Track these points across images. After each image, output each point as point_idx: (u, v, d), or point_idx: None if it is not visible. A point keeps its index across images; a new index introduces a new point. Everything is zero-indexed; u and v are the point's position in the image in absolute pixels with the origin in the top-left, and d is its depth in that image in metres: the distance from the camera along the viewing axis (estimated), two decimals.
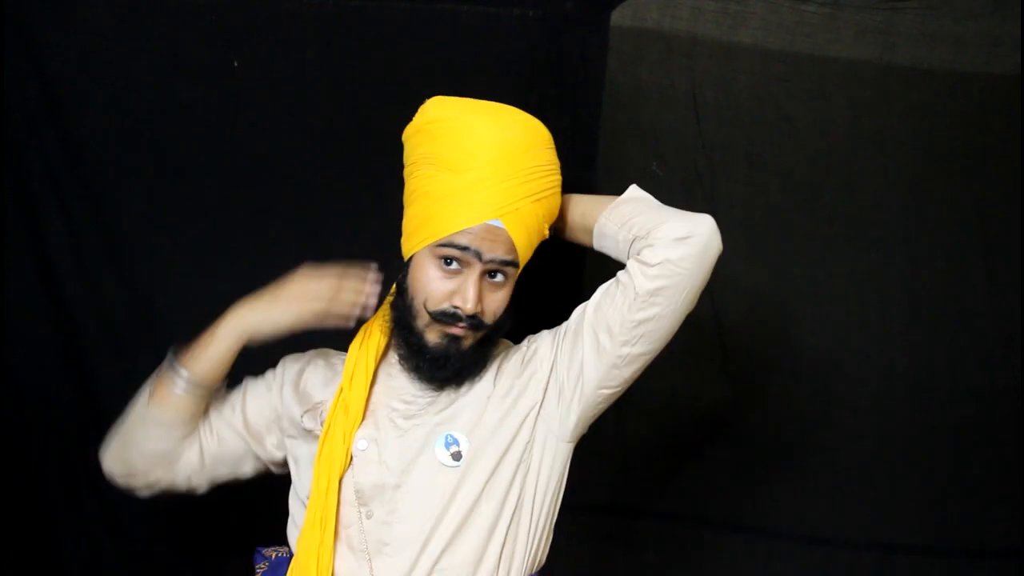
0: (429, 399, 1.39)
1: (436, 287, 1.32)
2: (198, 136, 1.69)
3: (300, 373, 1.46)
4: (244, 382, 1.48)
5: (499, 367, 1.42)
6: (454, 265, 1.31)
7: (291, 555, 1.42)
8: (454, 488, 1.34)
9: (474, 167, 1.30)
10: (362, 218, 1.67)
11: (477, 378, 1.40)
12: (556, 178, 1.38)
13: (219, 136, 1.69)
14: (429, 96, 1.37)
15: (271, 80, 1.66)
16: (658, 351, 1.36)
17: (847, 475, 1.79)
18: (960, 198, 1.66)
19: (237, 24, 1.64)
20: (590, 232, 1.40)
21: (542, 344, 1.44)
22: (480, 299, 1.31)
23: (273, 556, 1.47)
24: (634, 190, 1.41)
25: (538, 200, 1.33)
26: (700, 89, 1.62)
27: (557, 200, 1.39)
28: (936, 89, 1.60)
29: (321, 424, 1.39)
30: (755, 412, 1.78)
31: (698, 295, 1.32)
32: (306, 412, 1.41)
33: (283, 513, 1.47)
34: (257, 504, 1.54)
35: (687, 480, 1.83)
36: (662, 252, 1.27)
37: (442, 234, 1.30)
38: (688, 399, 1.77)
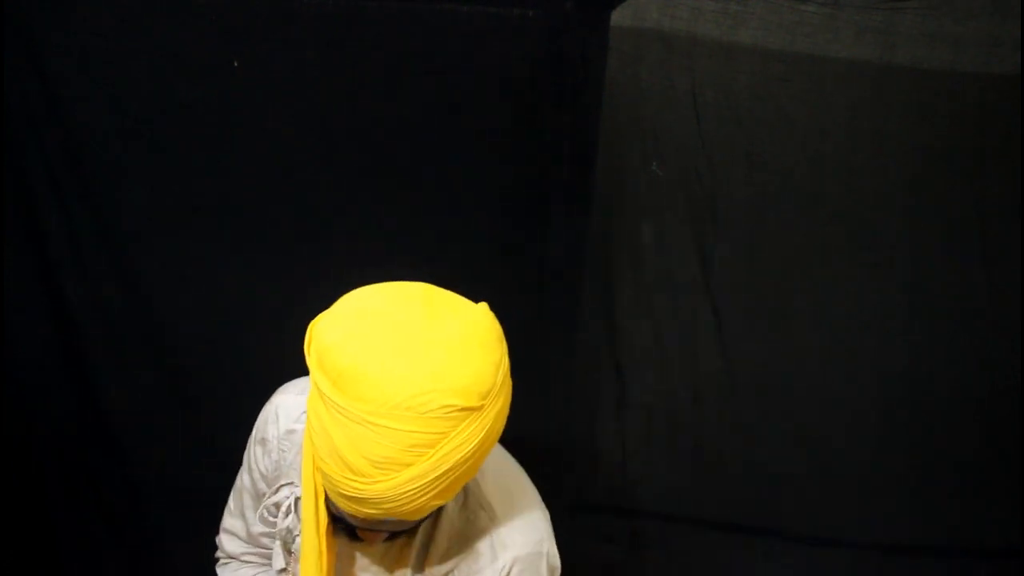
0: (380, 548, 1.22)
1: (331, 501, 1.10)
2: (198, 136, 1.69)
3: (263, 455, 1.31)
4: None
5: (458, 545, 1.21)
6: None
7: None
8: None
9: (367, 475, 1.01)
10: (362, 217, 1.67)
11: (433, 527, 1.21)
12: (493, 435, 1.07)
13: (219, 136, 1.69)
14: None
15: (271, 80, 1.66)
16: None
17: (847, 475, 1.79)
18: (960, 198, 1.65)
19: (237, 24, 1.63)
20: None
21: None
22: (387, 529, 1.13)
23: None
24: None
25: (456, 487, 1.06)
26: (700, 89, 1.62)
27: (493, 441, 1.09)
28: (936, 89, 1.60)
29: (278, 532, 1.25)
30: (755, 412, 1.78)
31: None
32: (269, 499, 1.27)
33: None
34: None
35: (687, 480, 1.83)
36: None
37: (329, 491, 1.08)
38: (688, 399, 1.77)
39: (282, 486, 1.25)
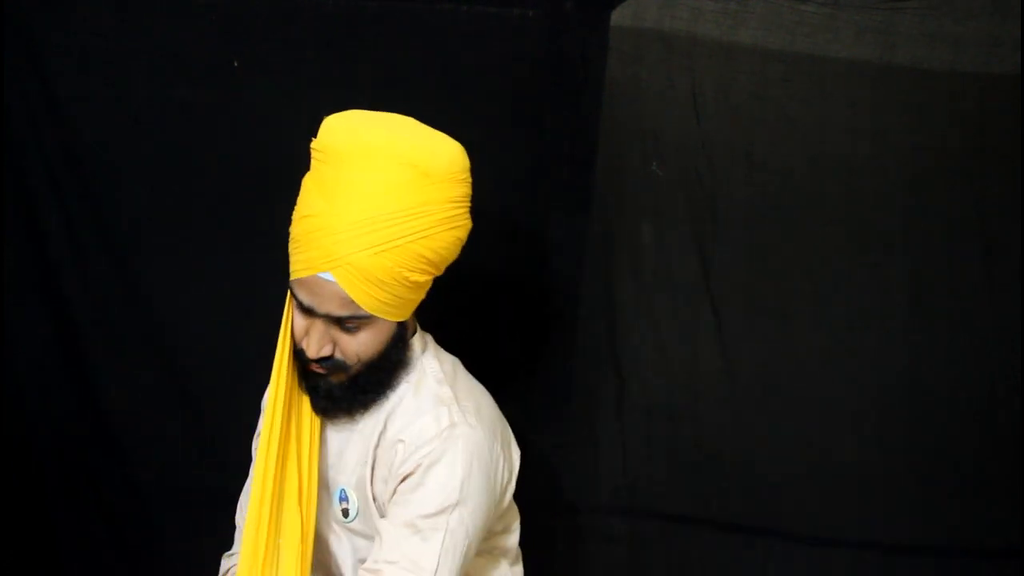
0: (346, 426, 1.34)
1: (295, 324, 1.27)
2: (198, 136, 1.69)
3: None
4: None
5: (399, 404, 1.31)
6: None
7: None
8: (351, 547, 1.32)
9: (314, 212, 1.22)
10: None
11: (369, 412, 1.32)
12: (431, 219, 1.22)
13: (219, 136, 1.69)
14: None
15: (271, 80, 1.66)
16: None
17: (847, 475, 1.78)
18: (960, 198, 1.65)
19: (237, 24, 1.64)
20: None
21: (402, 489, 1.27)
22: (331, 342, 1.25)
23: None
24: None
25: (382, 252, 1.19)
26: (700, 89, 1.62)
27: (432, 241, 1.23)
28: (936, 89, 1.60)
29: None
30: (754, 412, 1.78)
31: None
32: None
33: None
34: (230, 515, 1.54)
35: (687, 480, 1.83)
36: None
37: (290, 277, 1.26)
38: (688, 399, 1.77)
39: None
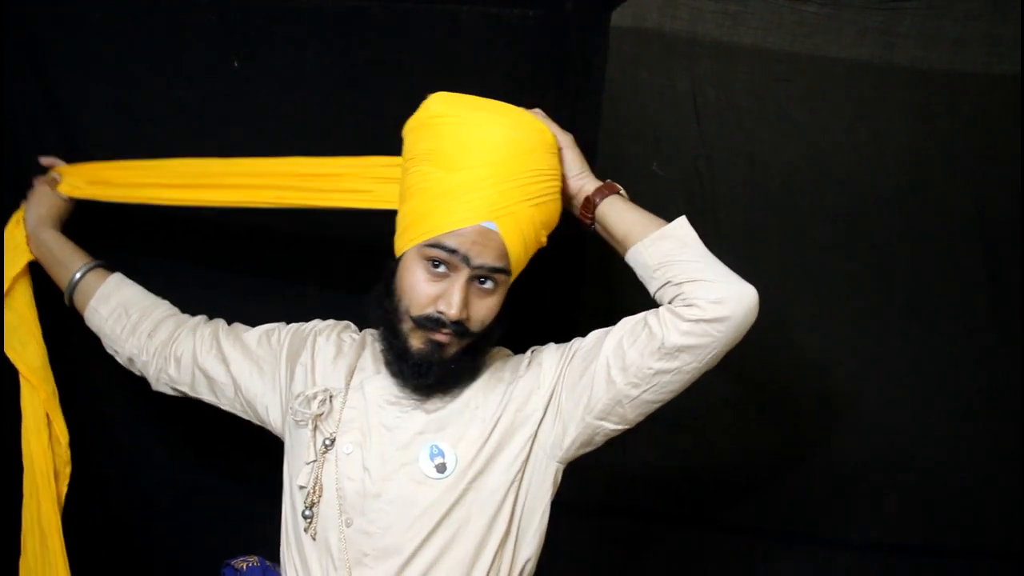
0: (415, 402, 1.34)
1: (421, 290, 1.27)
2: (198, 136, 1.69)
3: (310, 346, 1.46)
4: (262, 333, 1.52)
5: (493, 376, 1.38)
6: (441, 268, 1.27)
7: (263, 564, 1.41)
8: (438, 501, 1.29)
9: (472, 165, 1.25)
10: (360, 217, 1.67)
11: (467, 387, 1.36)
12: (557, 184, 1.34)
13: (219, 136, 1.69)
14: (429, 96, 1.37)
15: (271, 80, 1.66)
16: (667, 401, 1.32)
17: (847, 475, 1.79)
18: (960, 198, 1.66)
19: (237, 24, 1.64)
20: (626, 250, 1.34)
21: (548, 357, 1.39)
22: (466, 305, 1.27)
23: (244, 567, 1.44)
24: (683, 225, 1.32)
25: (537, 205, 1.29)
26: (700, 89, 1.62)
27: (557, 207, 1.35)
28: (936, 89, 1.60)
29: (308, 420, 1.35)
30: (755, 412, 1.78)
31: (721, 357, 1.28)
32: (299, 397, 1.37)
33: (260, 526, 1.46)
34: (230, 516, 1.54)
35: (687, 480, 1.83)
36: (698, 312, 1.23)
37: (431, 234, 1.26)
38: (688, 399, 1.77)
39: (317, 392, 1.37)
